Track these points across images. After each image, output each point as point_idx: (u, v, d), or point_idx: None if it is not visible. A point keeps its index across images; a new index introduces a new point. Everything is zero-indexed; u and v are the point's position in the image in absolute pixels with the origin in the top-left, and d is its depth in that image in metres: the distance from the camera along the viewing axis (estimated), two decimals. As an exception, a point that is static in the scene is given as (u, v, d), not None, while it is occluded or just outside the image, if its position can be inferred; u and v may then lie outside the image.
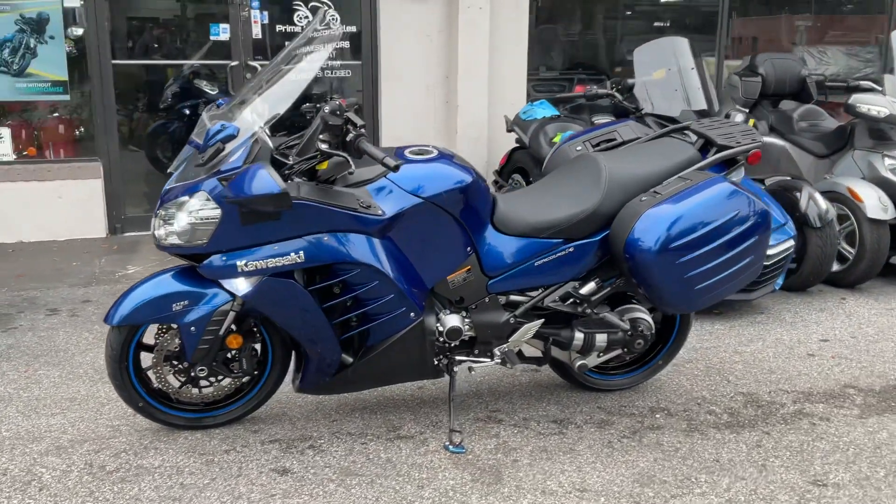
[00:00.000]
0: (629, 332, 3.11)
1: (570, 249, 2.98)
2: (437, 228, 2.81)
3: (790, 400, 3.38)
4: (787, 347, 3.98)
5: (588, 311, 3.04)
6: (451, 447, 2.93)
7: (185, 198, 2.62)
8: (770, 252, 4.22)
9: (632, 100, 4.81)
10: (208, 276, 2.66)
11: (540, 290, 3.05)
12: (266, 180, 2.39)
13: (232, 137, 2.57)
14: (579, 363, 3.13)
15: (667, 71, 4.69)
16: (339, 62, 6.54)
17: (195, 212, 2.60)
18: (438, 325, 2.93)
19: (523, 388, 3.46)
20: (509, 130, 5.88)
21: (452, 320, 2.93)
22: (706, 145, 3.14)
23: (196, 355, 2.82)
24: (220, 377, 2.97)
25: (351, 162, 2.60)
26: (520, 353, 3.20)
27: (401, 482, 2.72)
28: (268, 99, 2.72)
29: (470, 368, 3.06)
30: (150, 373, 2.93)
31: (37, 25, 5.79)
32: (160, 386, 2.95)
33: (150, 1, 6.80)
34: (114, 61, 5.99)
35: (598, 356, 3.17)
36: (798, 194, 4.68)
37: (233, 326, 2.86)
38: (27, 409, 3.22)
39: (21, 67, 5.82)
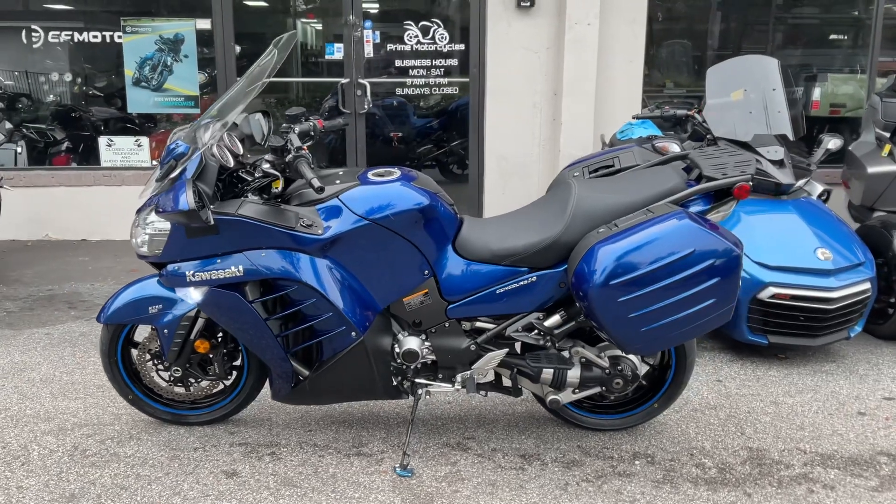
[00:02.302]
0: (608, 371, 2.94)
1: (533, 279, 2.86)
2: (387, 250, 2.81)
3: (801, 461, 3.01)
4: (839, 403, 3.54)
5: (550, 343, 2.91)
6: (398, 470, 2.91)
7: (145, 211, 2.84)
8: (840, 294, 3.79)
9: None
10: (165, 283, 2.86)
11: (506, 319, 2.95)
12: (178, 198, 2.53)
13: (182, 155, 2.74)
14: (551, 398, 2.99)
15: (744, 92, 4.33)
16: (446, 79, 6.65)
17: (151, 224, 2.81)
18: (396, 346, 2.93)
19: (511, 419, 3.35)
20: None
21: (410, 343, 2.91)
22: (700, 176, 2.89)
23: (169, 357, 3.03)
24: (198, 379, 3.16)
25: (281, 181, 2.69)
26: (498, 383, 3.12)
27: (332, 499, 2.75)
28: (221, 115, 2.86)
29: (427, 392, 3.02)
30: (138, 368, 3.18)
31: (173, 45, 6.42)
32: (147, 382, 3.19)
33: (272, 23, 7.29)
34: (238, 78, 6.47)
35: (574, 392, 3.01)
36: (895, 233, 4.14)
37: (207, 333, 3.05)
38: (60, 391, 3.61)
39: (159, 83, 6.49)
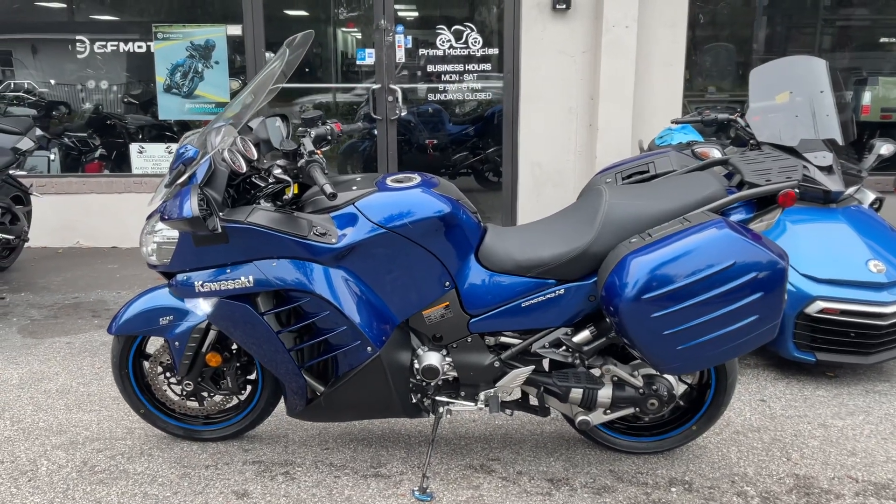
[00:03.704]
0: (641, 391, 2.74)
1: (560, 291, 2.68)
2: (406, 260, 2.66)
3: (852, 491, 2.78)
4: (893, 426, 3.28)
5: (579, 361, 2.73)
6: (417, 493, 2.75)
7: (154, 218, 2.72)
8: (894, 309, 3.54)
9: (758, 125, 4.25)
10: (174, 294, 2.74)
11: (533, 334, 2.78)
12: (182, 205, 2.40)
13: (191, 160, 2.62)
14: (581, 419, 2.81)
15: (790, 94, 4.10)
16: (479, 84, 6.49)
17: (160, 232, 2.69)
18: (415, 362, 2.78)
19: (538, 439, 3.17)
20: (642, 157, 5.46)
21: (430, 358, 2.76)
22: (742, 182, 2.69)
23: (180, 370, 2.91)
24: (211, 393, 3.04)
25: (294, 187, 2.56)
26: (524, 401, 2.94)
27: (345, 523, 2.60)
28: (234, 118, 2.74)
29: (448, 411, 2.86)
30: (149, 381, 3.07)
31: (204, 51, 6.37)
32: (159, 396, 3.08)
33: (302, 29, 7.19)
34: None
35: (605, 413, 2.82)
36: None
37: (219, 345, 2.93)
38: (75, 403, 3.51)
39: (190, 90, 6.44)
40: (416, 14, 6.67)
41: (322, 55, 6.91)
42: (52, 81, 6.90)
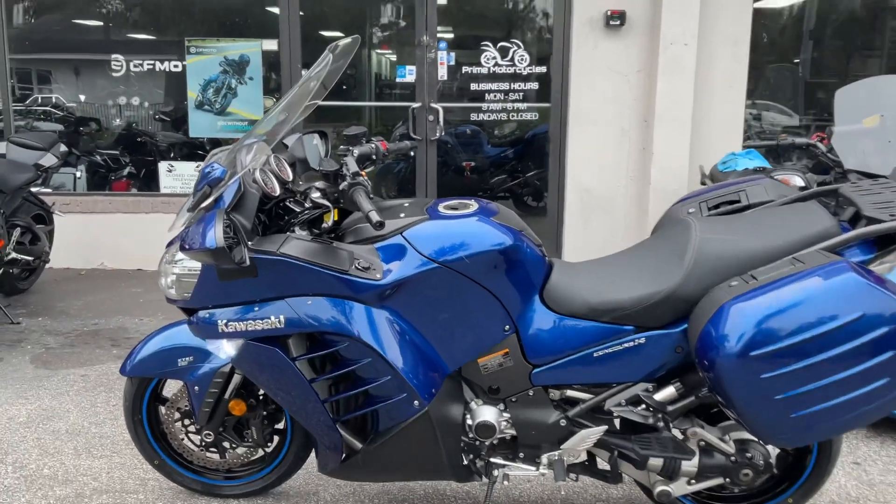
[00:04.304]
0: (733, 459, 2.33)
1: (641, 340, 2.29)
2: (460, 300, 2.29)
3: None
4: None
5: (662, 423, 2.32)
6: (468, 572, 2.36)
7: (174, 246, 2.38)
8: None
9: (840, 151, 3.84)
10: (194, 333, 2.39)
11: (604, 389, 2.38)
12: (205, 234, 2.05)
13: (218, 181, 2.28)
14: (661, 489, 2.40)
15: (881, 117, 3.68)
16: (524, 104, 6.14)
17: (180, 262, 2.35)
18: (468, 417, 2.40)
19: (605, 505, 2.77)
20: (703, 183, 5.08)
21: (485, 414, 2.38)
22: (857, 216, 2.28)
23: (200, 418, 2.56)
24: (234, 445, 2.68)
25: (333, 213, 2.21)
26: (591, 464, 2.54)
27: None
28: (267, 134, 2.40)
29: (504, 476, 2.46)
30: (165, 429, 2.72)
31: (238, 67, 6.10)
32: (176, 446, 2.73)
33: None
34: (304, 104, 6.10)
35: (690, 483, 2.41)
36: None
37: (242, 391, 2.58)
38: (84, 447, 3.18)
39: (223, 106, 6.16)
40: (459, 30, 6.35)
41: (356, 76, 6.62)
42: (83, 97, 6.68)
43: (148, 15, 6.47)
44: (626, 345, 2.30)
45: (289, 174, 2.34)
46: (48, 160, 5.16)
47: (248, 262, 2.13)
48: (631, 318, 2.28)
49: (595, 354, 2.32)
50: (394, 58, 6.50)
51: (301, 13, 6.04)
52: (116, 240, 6.19)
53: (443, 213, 2.36)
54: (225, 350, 2.46)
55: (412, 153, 6.20)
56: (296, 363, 2.29)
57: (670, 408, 2.30)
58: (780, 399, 1.99)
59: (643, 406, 2.34)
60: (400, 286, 2.24)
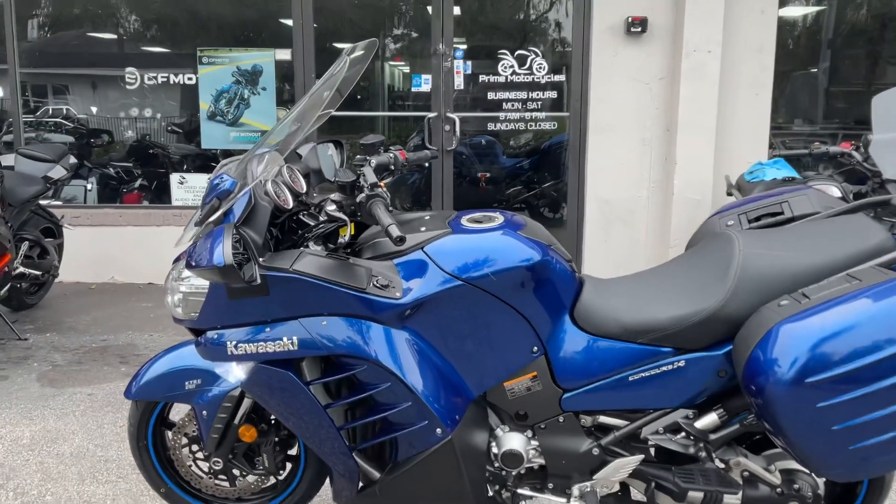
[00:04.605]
0: (779, 490, 2.17)
1: (681, 363, 2.13)
2: (485, 320, 2.14)
3: None
4: None
5: (704, 452, 2.16)
6: None
7: (181, 263, 2.24)
8: None
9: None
10: (202, 355, 2.24)
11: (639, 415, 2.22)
12: (213, 250, 1.91)
13: (227, 193, 2.14)
14: (701, 523, 2.23)
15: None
16: (543, 113, 6.00)
17: (187, 280, 2.21)
18: (493, 445, 2.24)
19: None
20: (729, 193, 4.92)
21: (512, 442, 2.22)
22: (913, 227, 2.12)
23: (208, 444, 2.41)
24: (244, 472, 2.53)
25: (350, 227, 2.07)
26: (624, 495, 2.38)
27: None
28: (279, 144, 2.26)
29: (533, 508, 2.30)
30: (172, 455, 2.57)
31: (251, 77, 5.99)
32: (183, 472, 2.58)
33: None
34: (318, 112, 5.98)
35: (731, 515, 2.24)
36: None
37: (253, 415, 2.43)
38: (89, 471, 3.04)
39: (235, 117, 6.05)
40: (476, 38, 6.22)
41: (371, 87, 6.51)
42: (94, 109, 6.59)
43: (159, 26, 6.38)
44: (664, 368, 2.14)
45: (302, 186, 2.21)
46: (57, 172, 5.06)
47: (258, 280, 1.98)
48: (669, 340, 2.12)
49: (630, 378, 2.16)
50: (408, 68, 6.37)
51: (315, 25, 5.93)
52: (127, 253, 6.07)
53: (466, 226, 2.21)
54: (234, 373, 2.31)
55: (427, 164, 6.07)
56: (310, 387, 2.14)
57: (712, 436, 2.13)
58: (837, 430, 1.82)
59: (683, 434, 2.18)
60: (421, 305, 2.09)
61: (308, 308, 2.09)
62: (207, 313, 2.16)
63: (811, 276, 2.02)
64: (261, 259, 2.05)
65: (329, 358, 2.18)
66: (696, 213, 5.54)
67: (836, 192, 3.57)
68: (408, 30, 6.47)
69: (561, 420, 2.23)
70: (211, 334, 2.18)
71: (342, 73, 2.32)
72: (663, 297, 2.18)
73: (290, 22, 5.96)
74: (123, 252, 6.08)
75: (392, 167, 2.42)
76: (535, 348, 2.18)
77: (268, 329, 2.12)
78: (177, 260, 2.31)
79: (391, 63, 6.59)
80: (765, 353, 1.88)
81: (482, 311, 2.13)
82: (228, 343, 2.14)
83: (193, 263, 1.97)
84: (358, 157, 2.42)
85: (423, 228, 2.22)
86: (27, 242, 4.94)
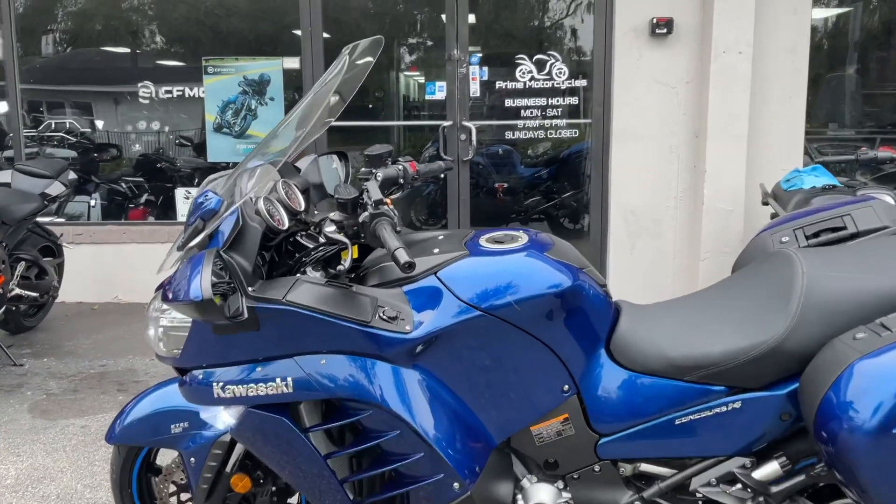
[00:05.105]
0: (850, 548, 1.87)
1: (736, 405, 1.84)
2: (510, 356, 1.86)
3: None
4: None
5: (765, 506, 1.87)
6: None
7: (159, 293, 1.98)
8: None
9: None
10: (186, 398, 1.97)
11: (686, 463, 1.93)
12: (190, 281, 1.65)
13: (213, 213, 1.88)
14: (759, 585, 1.93)
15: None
16: (563, 121, 5.71)
17: (168, 311, 1.94)
18: (520, 498, 1.96)
19: None
20: (764, 203, 4.61)
21: (540, 494, 1.94)
22: None
23: (197, 495, 2.14)
24: (238, 524, 2.25)
25: (350, 249, 1.80)
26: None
27: None
28: (273, 155, 2.00)
29: (567, 570, 2.01)
30: (158, 504, 2.31)
31: (258, 87, 5.76)
32: (173, 524, 2.32)
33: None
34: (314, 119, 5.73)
35: (795, 577, 1.94)
36: None
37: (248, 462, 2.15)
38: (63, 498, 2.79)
39: (242, 129, 5.82)
40: (492, 43, 5.96)
41: (383, 95, 6.26)
42: (99, 124, 6.39)
43: (162, 36, 6.17)
44: (716, 410, 1.85)
45: (300, 203, 1.95)
46: (55, 189, 4.83)
47: (245, 315, 1.72)
48: (723, 377, 1.83)
49: (677, 421, 1.88)
50: (423, 75, 6.12)
51: (326, 35, 5.69)
52: (131, 272, 5.84)
53: (485, 247, 1.93)
54: (224, 417, 2.04)
55: (443, 175, 5.81)
56: (308, 435, 1.87)
57: (774, 488, 1.84)
58: (936, 489, 1.53)
59: (738, 486, 1.88)
60: (434, 340, 1.82)
61: (305, 345, 1.82)
62: (191, 350, 1.89)
63: (889, 303, 1.73)
64: (250, 289, 1.78)
65: (330, 401, 1.91)
66: (727, 224, 5.24)
67: (889, 199, 3.27)
68: (421, 36, 6.22)
69: (597, 469, 1.94)
70: (195, 374, 1.91)
71: (340, 75, 2.05)
72: (714, 326, 1.89)
73: (298, 31, 5.72)
74: (127, 270, 5.85)
75: (401, 181, 2.14)
76: (567, 387, 1.90)
77: (259, 369, 1.84)
78: (159, 288, 2.04)
79: (406, 68, 6.35)
80: (840, 394, 1.59)
81: (505, 345, 1.85)
82: (214, 385, 1.87)
83: (170, 296, 1.70)
84: (363, 170, 2.15)
85: (436, 250, 1.94)
86: (24, 263, 4.71)
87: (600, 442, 1.92)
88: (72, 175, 5.01)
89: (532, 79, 5.66)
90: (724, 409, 1.85)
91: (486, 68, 5.66)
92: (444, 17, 5.62)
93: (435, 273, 1.87)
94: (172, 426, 2.14)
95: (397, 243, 1.69)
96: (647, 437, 1.90)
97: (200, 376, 1.90)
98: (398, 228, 1.82)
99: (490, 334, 1.83)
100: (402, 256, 1.65)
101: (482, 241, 1.97)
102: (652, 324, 1.95)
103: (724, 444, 1.87)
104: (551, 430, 1.93)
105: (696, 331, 1.90)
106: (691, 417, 1.87)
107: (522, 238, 1.97)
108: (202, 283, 1.61)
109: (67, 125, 6.34)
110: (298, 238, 2.00)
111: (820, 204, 2.77)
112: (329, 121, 2.11)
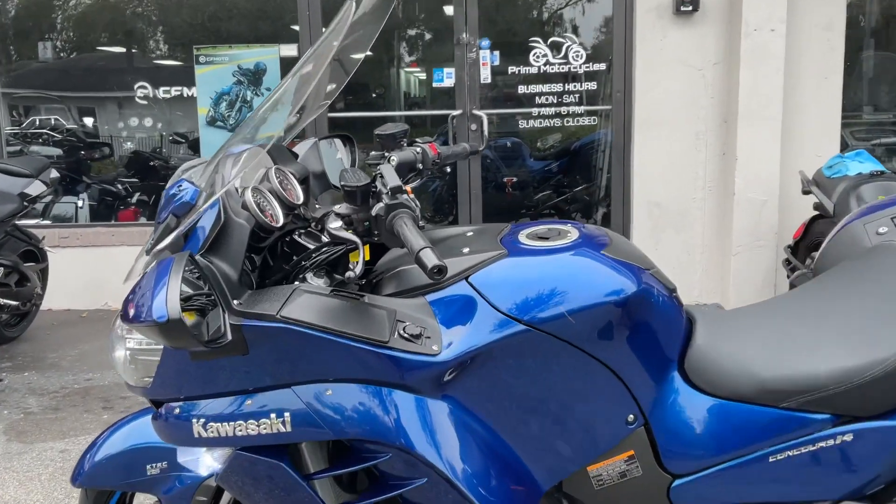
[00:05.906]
0: None
1: (846, 437, 1.48)
2: (562, 381, 1.49)
3: None
4: None
5: (884, 566, 1.50)
6: None
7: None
8: None
9: None
10: (160, 436, 1.60)
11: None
12: (153, 295, 1.28)
13: (189, 207, 1.51)
14: None
15: None
16: (581, 108, 5.34)
17: (132, 333, 1.57)
18: (573, 553, 1.59)
19: None
20: (806, 192, 4.25)
21: (599, 549, 1.57)
22: None
23: (179, 548, 1.77)
24: (230, 579, 1.89)
25: (361, 249, 1.43)
26: None
27: None
28: (262, 136, 1.63)
29: None
30: (137, 557, 1.94)
31: (253, 77, 5.40)
32: (152, 579, 1.95)
33: (371, 63, 6.17)
34: (330, 115, 5.38)
35: None
36: None
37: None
38: (45, 562, 2.42)
39: (237, 122, 5.45)
40: (504, 25, 5.58)
41: (387, 84, 5.90)
42: (87, 121, 6.03)
43: (150, 24, 5.80)
44: (820, 444, 1.49)
45: (298, 195, 1.57)
46: (36, 188, 4.47)
47: (229, 337, 1.35)
48: (829, 403, 1.47)
49: (770, 459, 1.51)
50: (428, 62, 5.74)
51: (325, 24, 5.33)
52: (121, 276, 5.45)
53: (527, 245, 1.56)
54: (204, 462, 1.67)
55: (449, 168, 5.45)
56: (311, 483, 1.50)
57: (898, 543, 1.47)
58: None
59: (850, 538, 1.52)
60: (468, 363, 1.44)
61: (305, 371, 1.44)
62: (165, 379, 1.52)
63: None
64: (235, 302, 1.41)
65: (339, 442, 1.54)
66: (760, 216, 4.86)
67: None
68: (428, 18, 5.85)
69: (670, 517, 1.57)
70: (171, 407, 1.54)
71: (342, 31, 1.65)
72: (816, 340, 1.52)
73: (297, 22, 5.35)
74: (117, 275, 5.46)
75: (420, 166, 1.78)
76: (632, 417, 1.53)
77: (249, 401, 1.47)
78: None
79: (408, 60, 5.98)
80: None
81: (555, 367, 1.48)
82: (195, 422, 1.50)
83: (130, 314, 1.33)
84: (373, 153, 1.78)
85: (465, 249, 1.57)
86: (2, 269, 4.35)
87: (674, 484, 1.55)
88: (54, 173, 4.65)
89: (547, 63, 5.29)
90: (830, 442, 1.48)
91: (497, 53, 5.28)
92: (452, -1, 5.26)
93: (466, 278, 1.50)
94: (149, 466, 1.76)
95: (422, 242, 1.31)
96: (733, 479, 1.53)
97: (177, 410, 1.52)
98: (421, 223, 1.45)
99: (536, 354, 1.46)
100: (431, 259, 1.28)
101: (522, 237, 1.60)
102: (736, 337, 1.58)
103: (831, 485, 1.51)
104: (613, 471, 1.56)
105: (793, 345, 1.53)
106: (789, 454, 1.50)
107: (572, 233, 1.59)
108: (168, 299, 1.23)
109: (52, 122, 5.98)
110: (296, 237, 1.61)
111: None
112: (331, 89, 1.74)
